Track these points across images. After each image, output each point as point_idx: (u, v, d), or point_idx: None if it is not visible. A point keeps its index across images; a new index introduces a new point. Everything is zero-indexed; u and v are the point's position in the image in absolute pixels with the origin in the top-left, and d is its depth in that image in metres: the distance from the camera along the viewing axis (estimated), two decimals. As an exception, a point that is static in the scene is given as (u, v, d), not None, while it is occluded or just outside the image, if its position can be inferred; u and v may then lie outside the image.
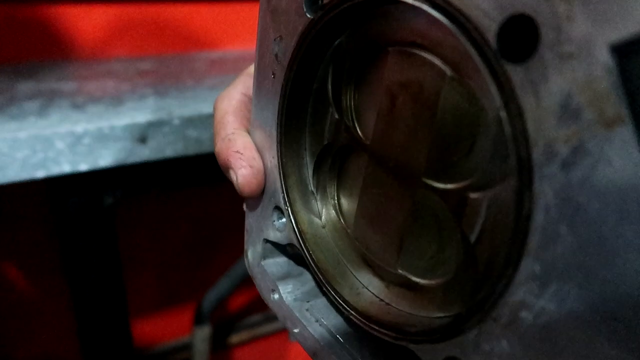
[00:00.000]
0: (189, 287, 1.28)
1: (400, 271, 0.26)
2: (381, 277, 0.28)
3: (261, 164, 0.32)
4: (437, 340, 0.22)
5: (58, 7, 1.05)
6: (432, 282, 0.24)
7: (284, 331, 1.44)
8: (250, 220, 0.36)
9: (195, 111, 0.77)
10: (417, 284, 0.25)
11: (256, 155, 0.32)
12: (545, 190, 0.17)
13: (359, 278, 0.29)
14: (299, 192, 0.32)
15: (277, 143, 0.31)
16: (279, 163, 0.31)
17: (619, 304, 0.15)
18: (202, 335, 1.24)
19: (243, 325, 1.40)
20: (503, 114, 0.19)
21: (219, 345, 1.34)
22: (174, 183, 0.87)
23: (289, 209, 0.31)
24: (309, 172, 0.32)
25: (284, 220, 0.32)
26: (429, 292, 0.25)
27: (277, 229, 0.33)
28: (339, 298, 0.28)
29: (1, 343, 1.04)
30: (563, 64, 0.16)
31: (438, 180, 0.23)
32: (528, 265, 0.18)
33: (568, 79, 0.16)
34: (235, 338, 1.39)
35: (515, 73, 0.17)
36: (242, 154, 0.32)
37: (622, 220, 0.15)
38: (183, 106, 0.79)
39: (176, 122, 0.76)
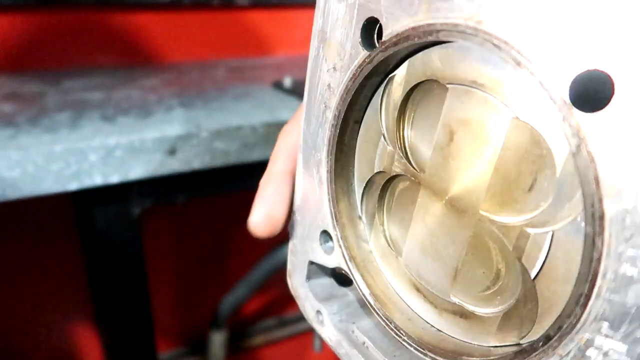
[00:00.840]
0: (207, 292, 1.30)
1: (454, 299, 0.27)
2: (433, 304, 0.28)
3: (282, 212, 0.33)
4: (497, 371, 0.23)
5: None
6: (488, 311, 0.25)
7: (298, 335, 1.45)
8: (295, 241, 0.37)
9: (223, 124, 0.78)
10: (471, 312, 0.26)
11: (282, 203, 0.34)
12: (617, 238, 0.18)
13: (409, 304, 0.30)
14: (347, 217, 0.33)
15: (328, 169, 0.32)
16: (328, 188, 0.32)
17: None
18: (219, 340, 1.25)
19: (258, 329, 1.41)
20: (571, 159, 0.20)
21: (235, 349, 1.35)
22: (201, 193, 0.89)
23: (339, 234, 0.32)
24: (357, 198, 0.33)
25: (331, 243, 0.33)
26: (484, 321, 0.25)
27: (325, 251, 0.34)
28: (391, 324, 0.29)
29: (23, 351, 1.06)
30: (638, 117, 0.17)
31: (497, 214, 0.24)
32: (597, 306, 0.18)
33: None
34: (250, 342, 1.40)
35: (588, 122, 0.18)
36: (267, 197, 0.34)
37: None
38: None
39: (204, 134, 0.77)
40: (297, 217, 0.36)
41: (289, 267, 0.38)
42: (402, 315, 0.29)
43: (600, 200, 0.18)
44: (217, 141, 0.80)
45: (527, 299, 0.23)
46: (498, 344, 0.24)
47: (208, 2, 1.16)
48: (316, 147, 0.33)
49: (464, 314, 0.26)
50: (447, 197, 0.26)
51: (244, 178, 0.85)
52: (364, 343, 0.32)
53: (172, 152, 0.77)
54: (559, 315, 0.20)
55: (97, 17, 1.06)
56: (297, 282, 0.37)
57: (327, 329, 0.34)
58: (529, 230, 0.22)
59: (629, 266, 0.17)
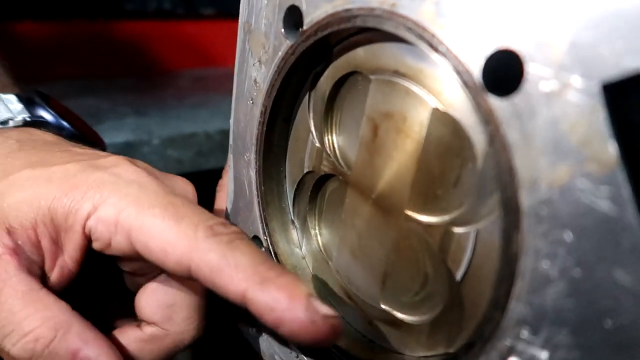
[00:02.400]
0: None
1: (383, 307, 0.25)
2: (363, 311, 0.26)
3: None
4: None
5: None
6: (417, 319, 0.23)
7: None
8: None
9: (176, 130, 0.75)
10: (401, 321, 0.24)
11: None
12: (534, 232, 0.16)
13: (342, 313, 0.28)
14: (278, 222, 0.30)
15: (256, 170, 0.30)
16: (258, 191, 0.30)
17: (617, 353, 0.14)
18: None
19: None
20: (488, 148, 0.18)
21: None
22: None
23: (268, 239, 0.30)
24: (289, 200, 0.31)
25: (263, 250, 0.31)
26: (414, 330, 0.23)
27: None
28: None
29: None
30: (550, 100, 0.15)
31: (422, 213, 0.22)
32: (517, 309, 0.17)
33: (556, 116, 0.15)
34: None
35: (501, 107, 0.17)
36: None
37: (616, 263, 0.14)
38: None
39: (156, 141, 0.74)
40: (230, 220, 0.33)
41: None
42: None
43: (516, 192, 0.16)
44: (170, 149, 0.77)
45: (454, 304, 0.21)
46: (428, 354, 0.23)
47: (173, 12, 1.14)
48: (245, 147, 0.31)
49: (394, 323, 0.24)
50: (373, 196, 0.24)
51: (199, 186, 0.82)
52: (298, 357, 0.29)
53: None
54: (480, 321, 0.18)
55: (59, 27, 1.02)
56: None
57: (261, 341, 0.31)
58: (454, 229, 0.21)
59: (546, 264, 0.16)
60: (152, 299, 0.26)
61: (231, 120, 0.32)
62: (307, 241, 0.30)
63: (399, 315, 0.24)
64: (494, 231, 0.19)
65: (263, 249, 0.31)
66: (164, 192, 0.25)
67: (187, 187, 0.30)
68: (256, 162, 0.30)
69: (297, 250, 0.30)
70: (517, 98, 0.16)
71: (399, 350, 0.24)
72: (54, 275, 0.25)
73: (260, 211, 0.30)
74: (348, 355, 0.25)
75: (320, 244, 0.29)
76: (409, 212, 0.23)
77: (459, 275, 0.21)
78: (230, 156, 0.33)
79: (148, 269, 0.27)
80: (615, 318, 0.14)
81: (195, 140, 0.79)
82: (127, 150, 0.76)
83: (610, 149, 0.14)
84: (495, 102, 0.17)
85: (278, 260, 0.30)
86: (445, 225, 0.21)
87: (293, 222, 0.31)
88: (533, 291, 0.16)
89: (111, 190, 0.24)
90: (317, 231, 0.29)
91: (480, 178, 0.19)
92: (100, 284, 0.30)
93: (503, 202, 0.17)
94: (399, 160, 0.23)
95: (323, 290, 0.29)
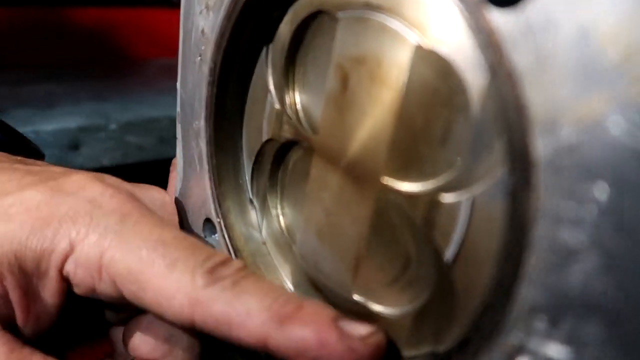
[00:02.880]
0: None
1: (356, 297, 0.20)
2: (335, 304, 0.22)
3: None
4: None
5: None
6: (397, 311, 0.19)
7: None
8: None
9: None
10: (377, 314, 0.20)
11: None
12: (552, 190, 0.12)
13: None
14: (234, 201, 0.26)
15: (207, 141, 0.25)
16: (209, 165, 0.26)
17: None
18: None
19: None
20: (488, 85, 0.14)
21: None
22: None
23: (222, 221, 0.25)
24: (247, 176, 0.26)
25: (216, 235, 0.26)
26: (393, 324, 0.19)
27: (212, 246, 0.27)
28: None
29: None
30: (577, 2, 0.11)
31: (403, 179, 0.18)
32: (527, 294, 0.13)
33: (586, 24, 0.11)
34: None
35: (506, 23, 0.12)
36: None
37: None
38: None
39: (113, 126, 0.68)
40: (181, 204, 0.29)
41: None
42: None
43: (527, 138, 0.12)
44: (130, 135, 0.71)
45: (443, 291, 0.17)
46: (411, 354, 0.18)
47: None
48: (194, 114, 0.26)
49: (369, 316, 0.20)
50: (343, 163, 0.20)
51: (161, 176, 0.76)
52: None
53: (74, 146, 0.67)
54: (477, 312, 0.14)
55: (21, 13, 0.95)
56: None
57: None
58: (443, 198, 0.16)
59: (570, 231, 0.12)
60: (149, 334, 0.23)
61: (178, 84, 0.27)
62: (268, 223, 0.25)
63: (375, 307, 0.20)
64: (495, 196, 0.15)
65: (216, 235, 0.26)
66: (151, 225, 0.21)
67: (164, 199, 0.26)
68: (206, 131, 0.25)
69: (256, 234, 0.26)
70: (529, 7, 0.12)
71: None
72: (29, 328, 0.21)
73: (212, 189, 0.26)
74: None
75: (283, 225, 0.25)
76: (387, 180, 0.18)
77: (448, 255, 0.16)
78: (178, 127, 0.28)
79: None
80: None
81: (158, 125, 0.74)
82: (81, 136, 0.69)
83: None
84: (499, 18, 0.12)
85: (234, 247, 0.25)
86: (431, 193, 0.17)
87: (251, 201, 0.26)
88: (551, 269, 0.12)
89: (89, 225, 0.20)
90: (278, 211, 0.25)
91: (477, 128, 0.15)
92: (79, 319, 0.25)
93: (509, 154, 0.13)
94: (373, 116, 0.18)
95: (287, 281, 0.24)
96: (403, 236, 0.18)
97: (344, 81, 0.19)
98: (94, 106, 0.75)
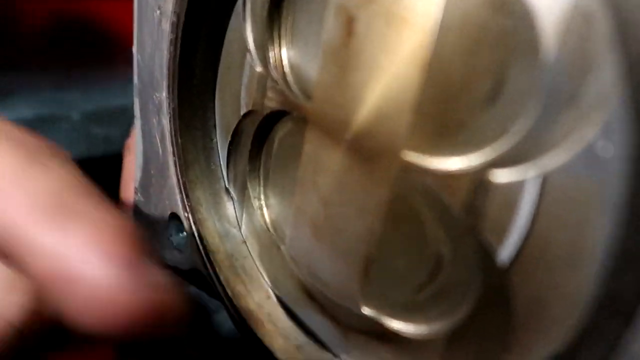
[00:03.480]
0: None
1: (366, 311, 0.16)
2: (334, 319, 0.17)
3: None
4: None
5: None
6: (422, 330, 0.14)
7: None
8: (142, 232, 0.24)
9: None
10: (395, 333, 0.15)
11: None
12: None
13: (300, 322, 0.19)
14: (205, 191, 0.21)
15: (170, 117, 0.20)
16: (173, 147, 0.20)
17: None
18: None
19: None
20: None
21: None
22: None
23: (190, 216, 0.20)
24: (221, 159, 0.21)
25: (184, 234, 0.21)
26: (417, 347, 0.14)
27: (176, 247, 0.22)
28: (271, 354, 0.18)
29: None
30: None
31: (434, 154, 0.13)
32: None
33: None
34: None
35: None
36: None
37: None
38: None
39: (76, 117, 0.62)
40: (140, 196, 0.23)
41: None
42: (286, 342, 0.18)
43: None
44: (95, 125, 0.65)
45: (492, 305, 0.12)
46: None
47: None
48: (154, 83, 0.21)
49: (383, 336, 0.15)
50: (348, 137, 0.15)
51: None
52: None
53: (31, 138, 0.61)
54: (558, 337, 0.09)
55: None
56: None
57: None
58: (495, 177, 0.12)
59: None
60: None
61: (134, 48, 0.22)
62: (249, 217, 0.20)
63: (393, 323, 0.15)
64: (581, 172, 0.10)
65: (184, 234, 0.21)
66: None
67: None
68: (169, 105, 0.20)
69: (234, 231, 0.21)
70: None
71: (394, 381, 0.15)
72: None
73: (178, 176, 0.21)
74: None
75: (268, 220, 0.20)
76: (410, 156, 0.14)
77: (503, 255, 0.12)
78: (136, 101, 0.23)
79: None
80: None
81: (126, 115, 0.67)
82: (40, 127, 0.63)
83: None
84: None
85: (206, 247, 0.20)
86: (476, 171, 0.12)
87: (227, 190, 0.21)
88: None
89: None
90: (262, 202, 0.20)
91: (551, 72, 0.10)
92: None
93: (626, 100, 0.08)
94: (390, 70, 0.14)
95: (273, 289, 0.20)
96: (433, 231, 0.14)
97: (348, 27, 0.15)
98: (55, 94, 0.68)
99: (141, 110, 0.22)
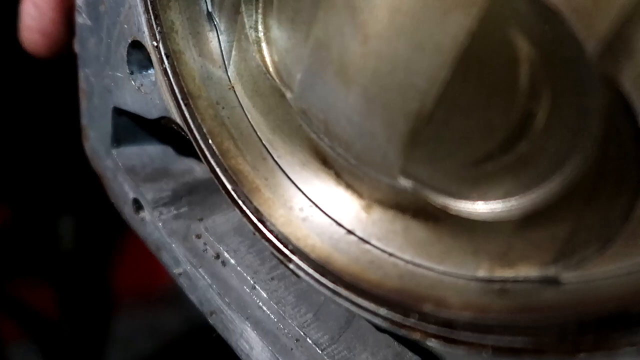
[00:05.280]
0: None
1: (403, 182, 0.12)
2: (354, 190, 0.14)
3: (56, 19, 0.22)
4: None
5: None
6: (487, 208, 0.11)
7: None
8: (87, 70, 0.19)
9: None
10: (442, 210, 0.12)
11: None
12: None
13: (303, 187, 0.15)
14: (181, 13, 0.15)
15: None
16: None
17: None
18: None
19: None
20: None
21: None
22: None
23: (161, 45, 0.15)
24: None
25: (151, 71, 0.16)
26: (473, 227, 0.12)
27: (139, 87, 0.17)
28: (264, 225, 0.14)
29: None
30: None
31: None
32: None
33: None
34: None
35: None
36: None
37: None
38: None
39: None
40: (85, 18, 0.17)
41: (82, 121, 0.20)
42: (289, 211, 0.14)
43: None
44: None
45: (602, 174, 0.09)
46: (506, 276, 0.11)
47: None
48: None
49: (421, 213, 0.12)
50: None
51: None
52: (219, 256, 0.17)
53: None
54: None
55: None
56: (98, 149, 0.20)
57: (151, 228, 0.19)
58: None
59: None
60: None
61: None
62: (240, 54, 0.15)
63: (441, 199, 0.12)
64: None
65: (150, 70, 0.16)
66: None
67: None
68: None
69: (219, 72, 0.16)
70: None
71: (433, 265, 0.12)
72: None
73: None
74: (320, 265, 0.13)
75: (268, 59, 0.15)
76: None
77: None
78: None
79: None
80: None
81: None
82: None
83: None
84: None
85: (181, 89, 0.15)
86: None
87: (211, 16, 0.16)
88: None
89: None
90: (260, 33, 0.15)
91: None
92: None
93: None
94: None
95: (270, 146, 0.15)
96: (526, 74, 0.10)
97: None
98: None
99: None
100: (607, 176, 0.09)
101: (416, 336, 0.11)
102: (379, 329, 0.13)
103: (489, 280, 0.11)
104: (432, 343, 0.11)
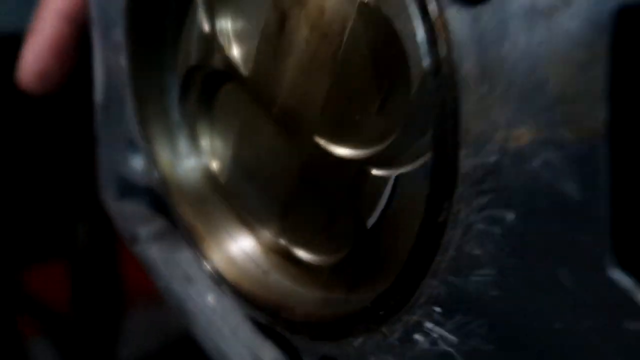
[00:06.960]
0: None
1: (282, 242, 0.21)
2: (260, 241, 0.23)
3: (55, 63, 0.28)
4: (317, 337, 0.18)
5: None
6: (317, 260, 0.20)
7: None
8: (102, 147, 0.28)
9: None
10: (299, 259, 0.21)
11: (55, 50, 0.28)
12: (468, 202, 0.12)
13: (234, 239, 0.24)
14: (159, 125, 0.24)
15: (127, 57, 0.23)
16: (130, 85, 0.23)
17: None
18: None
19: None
20: (429, 75, 0.13)
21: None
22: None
23: (147, 146, 0.24)
24: (174, 98, 0.24)
25: (141, 158, 0.25)
26: (312, 270, 0.20)
27: (135, 166, 0.26)
28: (209, 264, 0.23)
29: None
30: (533, 21, 0.10)
31: (334, 143, 0.17)
32: (431, 287, 0.14)
33: (535, 49, 0.10)
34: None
35: (460, 20, 0.11)
36: (37, 44, 0.28)
37: (563, 264, 0.11)
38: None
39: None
40: (101, 115, 0.26)
41: (99, 178, 0.29)
42: (222, 255, 0.23)
43: (456, 146, 0.12)
44: None
45: (359, 253, 0.18)
46: (324, 296, 0.20)
47: None
48: (110, 23, 0.23)
49: (291, 259, 0.21)
50: (276, 110, 0.19)
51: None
52: (186, 278, 0.26)
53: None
54: (387, 289, 0.15)
55: None
56: (109, 199, 0.29)
57: (148, 257, 0.27)
58: (371, 170, 0.16)
59: (476, 244, 0.12)
60: None
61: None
62: (196, 152, 0.24)
63: (299, 252, 0.21)
64: (419, 182, 0.15)
65: (139, 158, 0.25)
66: None
67: None
68: (126, 44, 0.22)
69: (185, 162, 0.25)
70: (486, 11, 0.10)
71: (296, 286, 0.21)
72: None
73: (135, 110, 0.24)
74: (237, 289, 0.22)
75: (212, 158, 0.24)
76: (319, 140, 0.18)
77: (370, 223, 0.17)
78: (95, 35, 0.25)
79: None
80: (548, 323, 0.11)
81: None
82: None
83: (601, 113, 0.09)
84: (453, 12, 0.11)
85: (160, 173, 0.24)
86: (360, 162, 0.17)
87: (179, 125, 0.25)
88: (454, 271, 0.13)
89: None
90: (208, 142, 0.24)
91: (412, 109, 0.14)
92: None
93: (436, 155, 0.13)
94: (309, 68, 0.17)
95: (214, 212, 0.24)
96: (330, 196, 0.18)
97: (281, 22, 0.17)
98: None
99: (99, 44, 0.24)
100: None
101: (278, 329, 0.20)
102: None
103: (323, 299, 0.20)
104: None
